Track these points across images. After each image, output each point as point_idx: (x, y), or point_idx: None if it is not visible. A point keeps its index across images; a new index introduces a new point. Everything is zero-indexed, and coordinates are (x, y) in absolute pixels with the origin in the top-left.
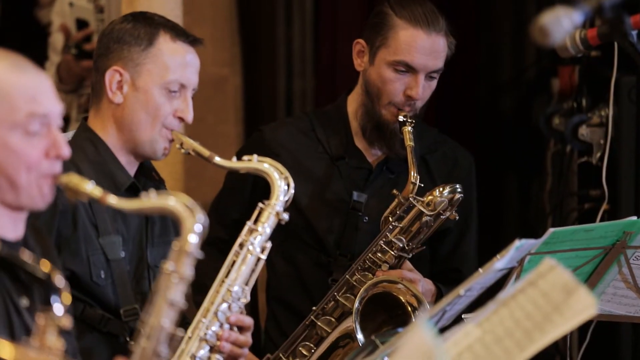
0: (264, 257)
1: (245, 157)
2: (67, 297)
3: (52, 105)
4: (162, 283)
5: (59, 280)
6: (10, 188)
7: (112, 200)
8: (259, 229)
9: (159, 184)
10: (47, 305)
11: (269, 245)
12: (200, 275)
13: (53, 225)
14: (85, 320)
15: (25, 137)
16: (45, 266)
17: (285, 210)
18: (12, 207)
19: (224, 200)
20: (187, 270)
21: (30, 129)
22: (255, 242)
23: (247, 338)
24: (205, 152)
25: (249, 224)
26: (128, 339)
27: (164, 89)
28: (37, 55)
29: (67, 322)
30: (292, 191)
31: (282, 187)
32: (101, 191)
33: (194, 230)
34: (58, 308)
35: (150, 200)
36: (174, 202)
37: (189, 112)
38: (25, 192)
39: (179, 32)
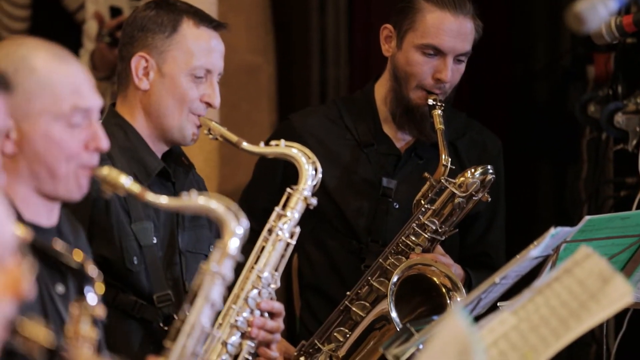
0: (293, 242)
1: (272, 142)
2: (100, 287)
3: (94, 99)
4: (204, 282)
5: (92, 270)
6: (48, 177)
7: (152, 197)
8: (288, 214)
9: (188, 169)
10: (81, 294)
11: (297, 230)
12: None
13: (86, 212)
14: (118, 307)
15: (67, 129)
16: (78, 256)
17: (314, 195)
18: (49, 197)
19: (254, 190)
20: (228, 272)
21: (72, 121)
22: (284, 228)
23: (278, 324)
24: (233, 138)
25: (278, 209)
26: (161, 324)
27: (190, 75)
28: (69, 43)
29: (101, 312)
30: (319, 176)
31: (310, 172)
32: (139, 187)
33: (236, 233)
34: (91, 298)
35: (192, 200)
36: (216, 204)
37: (215, 96)
38: (63, 183)
39: (202, 18)
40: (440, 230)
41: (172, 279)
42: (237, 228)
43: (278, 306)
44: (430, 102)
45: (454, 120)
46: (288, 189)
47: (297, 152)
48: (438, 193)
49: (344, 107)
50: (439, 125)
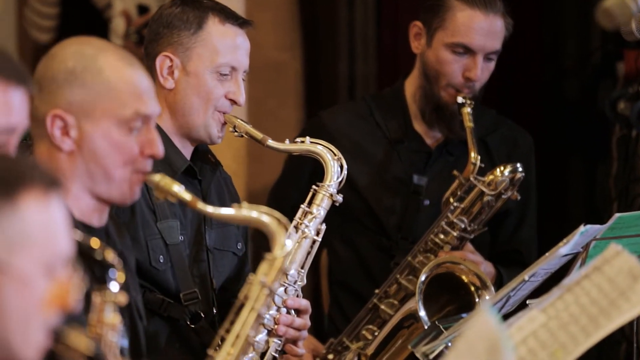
0: (319, 239)
1: (298, 139)
2: (121, 275)
3: (155, 106)
4: (252, 293)
5: (113, 258)
6: (104, 179)
7: (202, 205)
8: (314, 211)
9: (215, 167)
10: (102, 283)
11: (323, 227)
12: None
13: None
14: (145, 305)
15: (126, 133)
16: (95, 243)
17: (339, 192)
18: (101, 199)
19: (282, 187)
20: (277, 284)
21: (133, 125)
22: (310, 225)
23: (305, 321)
24: (258, 135)
25: (303, 206)
26: (188, 322)
27: (215, 72)
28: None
29: (123, 299)
30: (345, 172)
31: (336, 169)
32: (191, 196)
33: (285, 245)
34: (114, 285)
35: (242, 211)
36: (267, 217)
37: (240, 94)
38: (117, 186)
39: (228, 15)
40: (469, 229)
41: (199, 276)
42: (286, 241)
43: (305, 303)
44: (460, 100)
45: (484, 117)
46: (314, 186)
47: (322, 149)
48: (467, 191)
49: (374, 104)
50: (469, 123)
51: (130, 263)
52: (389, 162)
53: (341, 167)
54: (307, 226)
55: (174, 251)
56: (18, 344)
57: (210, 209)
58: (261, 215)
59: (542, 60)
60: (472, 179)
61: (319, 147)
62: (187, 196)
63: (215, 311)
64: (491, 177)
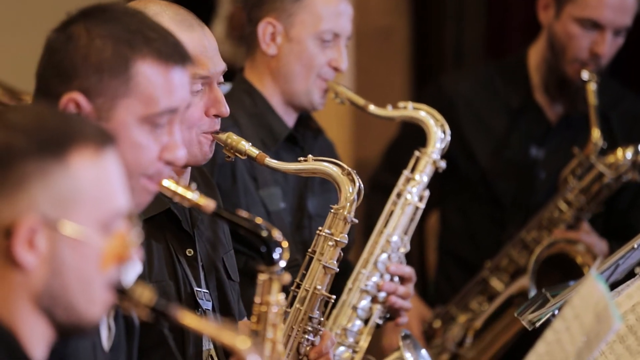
0: (422, 206)
1: (400, 105)
2: (287, 254)
3: (215, 65)
4: (318, 247)
5: (279, 236)
6: None
7: (269, 161)
8: (416, 177)
9: (317, 133)
10: (268, 261)
11: (427, 194)
12: (368, 219)
13: (212, 179)
14: (247, 273)
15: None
16: (259, 219)
17: (442, 157)
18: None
19: (396, 148)
20: (343, 235)
21: (194, 88)
22: (412, 191)
23: (408, 289)
24: (360, 101)
25: (406, 172)
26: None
27: (318, 39)
28: (205, 8)
29: (288, 279)
30: (448, 138)
31: (439, 135)
32: (258, 151)
33: (351, 196)
34: (280, 264)
35: (309, 164)
36: (332, 167)
37: (343, 61)
38: (187, 148)
39: None
40: (586, 208)
41: (302, 242)
42: (352, 191)
43: (408, 271)
44: (585, 76)
45: (607, 91)
46: (416, 152)
47: (425, 115)
48: (586, 171)
49: (496, 71)
50: (593, 100)
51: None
52: (507, 133)
53: (444, 132)
54: (410, 192)
55: (275, 218)
56: (81, 304)
57: (278, 163)
58: (327, 166)
59: None
60: (592, 159)
61: (422, 113)
62: (255, 152)
63: None
64: (612, 159)
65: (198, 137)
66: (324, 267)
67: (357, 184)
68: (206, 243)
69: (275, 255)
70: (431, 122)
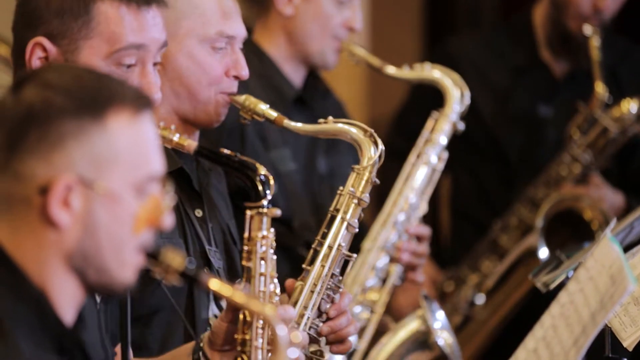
0: (440, 166)
1: (417, 66)
2: (273, 188)
3: (240, 27)
4: (341, 205)
5: (264, 170)
6: (188, 99)
7: (288, 122)
8: (434, 138)
9: (326, 92)
10: (257, 197)
11: (445, 155)
12: (382, 186)
13: (221, 143)
14: None
15: (210, 53)
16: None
17: (462, 119)
18: (187, 120)
19: (407, 112)
20: (366, 195)
21: (217, 45)
22: (431, 153)
23: (424, 248)
24: (376, 62)
25: (425, 134)
26: (303, 251)
27: None
28: None
29: (278, 212)
30: (467, 100)
31: (456, 96)
32: (277, 113)
33: (372, 155)
34: (267, 199)
35: (329, 125)
36: (353, 128)
37: (357, 20)
38: (202, 106)
39: None
40: (594, 163)
41: (312, 203)
42: (373, 152)
43: (426, 230)
44: (587, 31)
45: (614, 45)
46: (434, 113)
47: (441, 76)
48: (592, 125)
49: (502, 32)
50: (596, 55)
51: (222, 187)
52: (514, 91)
53: (462, 94)
54: (428, 154)
55: (286, 180)
56: (113, 265)
57: (297, 125)
58: (348, 127)
59: None
60: (597, 113)
61: (438, 73)
62: (273, 114)
63: None
64: (617, 112)
65: (216, 97)
66: (348, 225)
67: (380, 146)
68: (214, 207)
69: (263, 190)
70: (448, 83)
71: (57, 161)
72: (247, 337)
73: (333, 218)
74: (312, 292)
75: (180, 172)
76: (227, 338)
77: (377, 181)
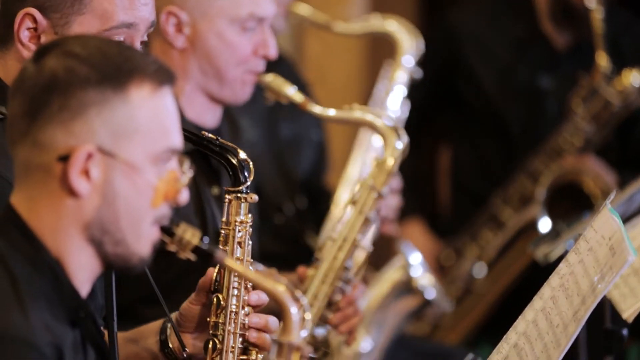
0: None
1: (365, 17)
2: (252, 174)
3: (270, 9)
4: (361, 197)
5: (243, 155)
6: (216, 78)
7: (312, 106)
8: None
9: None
10: (237, 182)
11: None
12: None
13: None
14: None
15: (240, 32)
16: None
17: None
18: (213, 98)
19: None
20: (386, 188)
21: (247, 25)
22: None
23: (397, 200)
24: (322, 19)
25: (384, 83)
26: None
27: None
28: None
29: (256, 198)
30: (421, 48)
31: (409, 44)
32: (303, 97)
33: (396, 148)
34: (247, 185)
35: (353, 113)
36: (377, 118)
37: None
38: (230, 85)
39: None
40: (595, 135)
41: (281, 169)
42: (397, 144)
43: (398, 183)
44: (591, 4)
45: (617, 16)
46: (388, 61)
47: (391, 26)
48: (592, 97)
49: (503, 3)
50: (598, 27)
51: None
52: (514, 63)
53: (415, 43)
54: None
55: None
56: (130, 237)
57: (322, 110)
58: (373, 117)
59: None
60: (598, 85)
61: (388, 23)
62: (298, 97)
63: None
64: (619, 85)
65: (243, 76)
66: (365, 218)
67: (404, 138)
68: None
69: (242, 175)
70: (399, 32)
71: (78, 130)
72: (220, 320)
73: (352, 209)
74: (324, 282)
75: (197, 150)
76: (199, 321)
77: (398, 175)
